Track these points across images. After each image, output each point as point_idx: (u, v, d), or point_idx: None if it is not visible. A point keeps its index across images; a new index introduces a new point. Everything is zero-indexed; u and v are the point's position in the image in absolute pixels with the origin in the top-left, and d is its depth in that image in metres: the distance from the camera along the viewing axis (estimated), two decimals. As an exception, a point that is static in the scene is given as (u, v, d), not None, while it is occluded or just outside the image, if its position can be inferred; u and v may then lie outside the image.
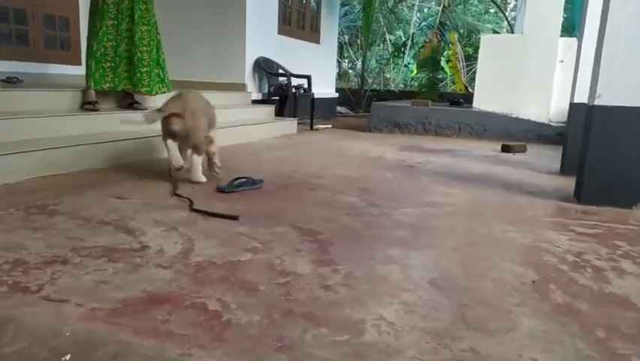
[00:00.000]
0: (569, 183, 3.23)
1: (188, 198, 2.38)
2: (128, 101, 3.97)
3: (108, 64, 3.67)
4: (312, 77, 6.65)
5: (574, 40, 5.86)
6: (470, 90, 11.43)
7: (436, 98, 9.72)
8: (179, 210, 2.21)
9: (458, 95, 9.93)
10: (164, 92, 3.96)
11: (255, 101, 6.20)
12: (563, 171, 3.65)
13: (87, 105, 3.63)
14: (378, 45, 15.27)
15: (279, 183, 2.92)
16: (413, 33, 11.23)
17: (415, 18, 12.90)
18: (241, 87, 6.08)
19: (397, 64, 14.60)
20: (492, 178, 3.42)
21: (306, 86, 6.44)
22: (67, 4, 5.45)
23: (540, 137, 5.73)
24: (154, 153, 3.55)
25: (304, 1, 7.69)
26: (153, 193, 2.52)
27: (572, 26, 6.26)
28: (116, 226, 1.95)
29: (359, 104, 10.96)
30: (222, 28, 6.05)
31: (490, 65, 6.02)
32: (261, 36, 6.36)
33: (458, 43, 11.08)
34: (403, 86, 14.60)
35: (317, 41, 8.18)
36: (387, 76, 15.24)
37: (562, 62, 5.82)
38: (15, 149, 2.66)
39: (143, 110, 3.95)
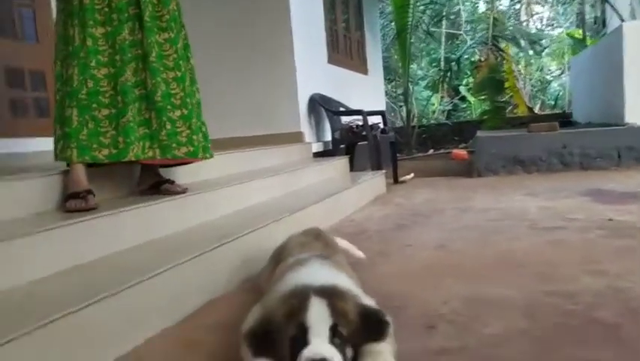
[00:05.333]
0: None
1: None
2: (152, 181, 2.10)
3: (105, 111, 1.83)
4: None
5: None
6: (536, 112, 9.70)
7: (504, 125, 7.96)
8: None
9: (527, 118, 8.16)
10: (208, 158, 2.14)
11: (315, 154, 4.38)
12: None
13: (72, 201, 1.74)
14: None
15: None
16: (462, 54, 9.55)
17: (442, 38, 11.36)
18: (297, 137, 4.27)
19: (416, 97, 12.97)
20: None
21: (382, 125, 4.63)
22: (41, 52, 3.73)
23: None
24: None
25: (349, 24, 6.05)
26: None
27: None
28: None
29: (407, 144, 9.15)
30: (263, 61, 4.31)
31: (643, 62, 4.25)
32: (311, 66, 4.63)
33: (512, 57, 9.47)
34: (424, 120, 12.89)
35: (364, 71, 6.49)
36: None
37: None
38: None
39: (180, 192, 2.08)
